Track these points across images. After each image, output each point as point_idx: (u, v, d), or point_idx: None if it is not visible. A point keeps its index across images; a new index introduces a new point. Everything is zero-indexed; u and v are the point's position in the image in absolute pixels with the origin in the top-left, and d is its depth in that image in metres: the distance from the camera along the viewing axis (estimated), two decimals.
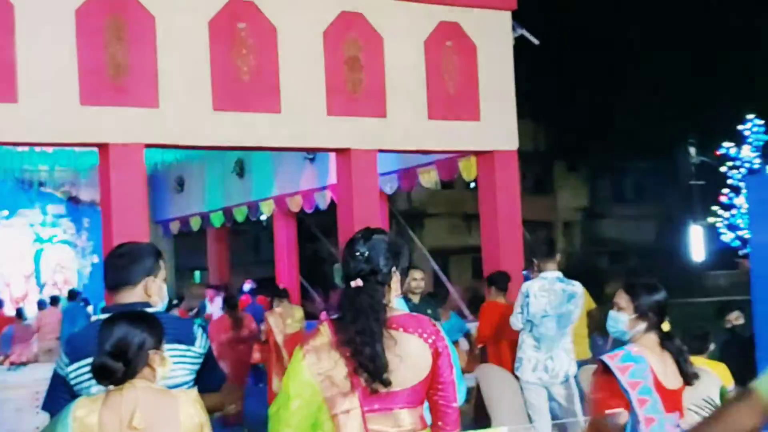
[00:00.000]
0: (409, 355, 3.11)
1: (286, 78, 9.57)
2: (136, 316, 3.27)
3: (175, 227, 16.76)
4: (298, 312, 11.11)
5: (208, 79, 9.15)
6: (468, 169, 11.35)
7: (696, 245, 26.29)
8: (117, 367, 3.11)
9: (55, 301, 14.94)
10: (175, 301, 13.02)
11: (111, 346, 3.14)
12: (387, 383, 3.06)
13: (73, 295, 15.13)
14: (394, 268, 3.31)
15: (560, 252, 9.52)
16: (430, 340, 3.14)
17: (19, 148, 12.26)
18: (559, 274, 7.86)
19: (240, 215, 15.02)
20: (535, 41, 11.18)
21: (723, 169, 24.56)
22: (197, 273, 25.32)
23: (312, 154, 12.94)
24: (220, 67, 9.21)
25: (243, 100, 9.34)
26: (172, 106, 8.97)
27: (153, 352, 3.19)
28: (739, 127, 24.31)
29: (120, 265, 3.64)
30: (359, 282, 3.23)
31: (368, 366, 3.05)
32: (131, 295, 3.59)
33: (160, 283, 3.66)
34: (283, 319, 10.77)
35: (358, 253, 3.30)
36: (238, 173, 14.63)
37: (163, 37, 8.93)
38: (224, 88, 9.23)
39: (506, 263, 10.08)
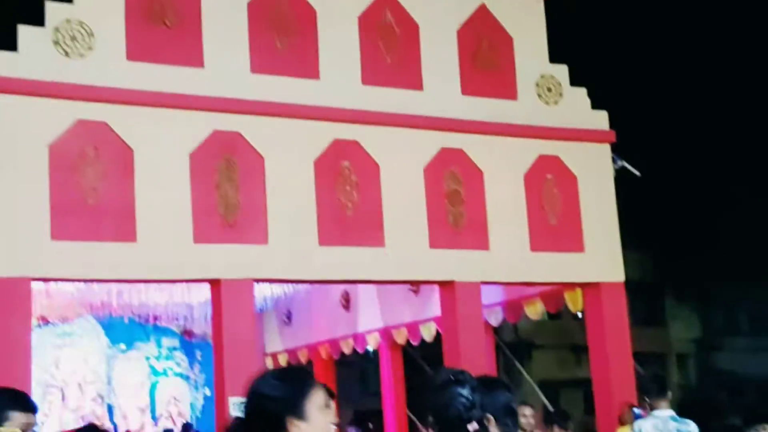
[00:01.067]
0: None
1: (389, 212, 9.84)
2: None
3: (283, 360, 16.95)
4: None
5: (314, 215, 9.48)
6: (574, 301, 11.28)
7: None
8: None
9: None
10: None
11: None
12: None
13: (186, 428, 15.34)
14: (487, 415, 3.34)
15: (674, 386, 9.30)
16: None
17: (137, 285, 12.78)
18: (672, 413, 7.67)
19: (346, 347, 15.14)
20: (637, 173, 11.22)
21: None
22: None
23: (416, 286, 13.06)
24: (326, 204, 9.55)
25: (348, 234, 9.61)
26: (280, 241, 9.29)
27: None
28: None
29: None
30: (475, 426, 3.25)
31: None
32: None
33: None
34: None
35: (463, 398, 3.31)
36: (344, 306, 14.83)
37: (272, 176, 9.35)
38: (329, 224, 9.53)
39: (618, 397, 9.91)
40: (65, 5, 8.79)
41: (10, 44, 8.56)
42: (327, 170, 9.63)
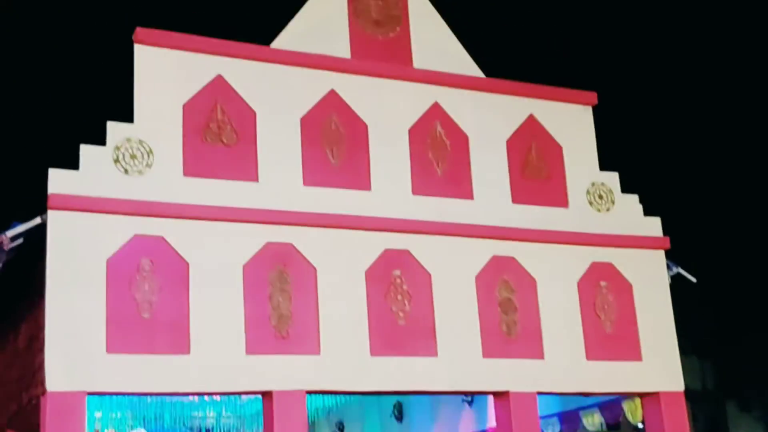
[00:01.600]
0: None
1: (441, 321, 9.80)
2: None
3: None
4: None
5: (365, 325, 9.48)
6: (633, 412, 11.03)
7: None
8: None
9: None
10: None
11: None
12: None
13: None
14: None
15: None
16: None
17: (190, 397, 12.80)
18: None
19: None
20: (693, 279, 11.09)
21: None
22: None
23: (470, 396, 12.89)
24: (378, 313, 9.55)
25: (400, 344, 9.57)
26: (333, 352, 9.28)
27: None
28: None
29: None
30: None
31: None
32: None
33: None
34: None
35: None
36: (396, 417, 14.65)
37: (324, 287, 9.40)
38: (381, 334, 9.51)
39: None
40: (126, 125, 9.10)
41: (73, 163, 8.85)
42: (378, 280, 9.67)
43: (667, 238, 11.18)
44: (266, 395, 9.14)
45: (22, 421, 9.61)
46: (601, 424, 12.12)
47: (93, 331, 8.42)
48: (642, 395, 10.74)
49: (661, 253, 11.13)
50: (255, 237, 9.26)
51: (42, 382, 8.22)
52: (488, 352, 9.94)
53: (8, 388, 10.29)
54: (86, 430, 8.84)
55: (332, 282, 9.46)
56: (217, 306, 8.94)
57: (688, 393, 11.08)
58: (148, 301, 8.66)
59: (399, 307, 9.68)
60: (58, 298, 8.36)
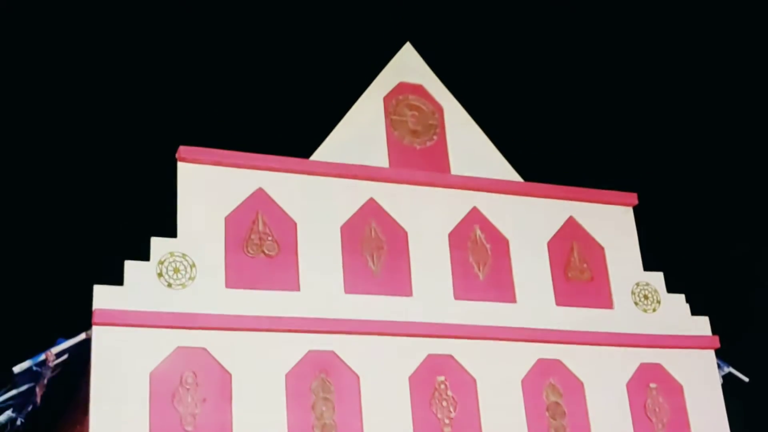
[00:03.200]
0: None
1: (488, 427, 9.61)
2: None
3: None
4: None
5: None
6: None
7: None
8: None
9: None
10: None
11: None
12: None
13: None
14: None
15: None
16: None
17: None
18: None
19: None
20: (745, 378, 10.83)
21: None
22: None
23: None
24: (422, 420, 9.40)
25: None
26: None
27: None
28: None
29: None
30: None
31: None
32: None
33: None
34: None
35: None
36: None
37: (367, 394, 9.31)
38: None
39: None
40: (170, 239, 9.25)
41: (117, 278, 8.98)
42: (422, 386, 9.56)
43: (716, 337, 10.97)
44: None
45: None
46: None
47: None
48: None
49: (711, 353, 10.91)
50: (297, 345, 9.25)
51: None
52: None
53: None
54: None
55: (375, 389, 9.36)
56: (260, 416, 8.87)
57: None
58: (192, 413, 8.63)
59: (444, 413, 9.53)
60: (102, 413, 8.37)
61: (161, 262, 9.12)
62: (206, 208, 9.52)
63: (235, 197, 9.70)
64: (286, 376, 9.11)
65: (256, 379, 9.00)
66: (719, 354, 10.97)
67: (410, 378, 9.55)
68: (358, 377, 9.35)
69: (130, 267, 9.02)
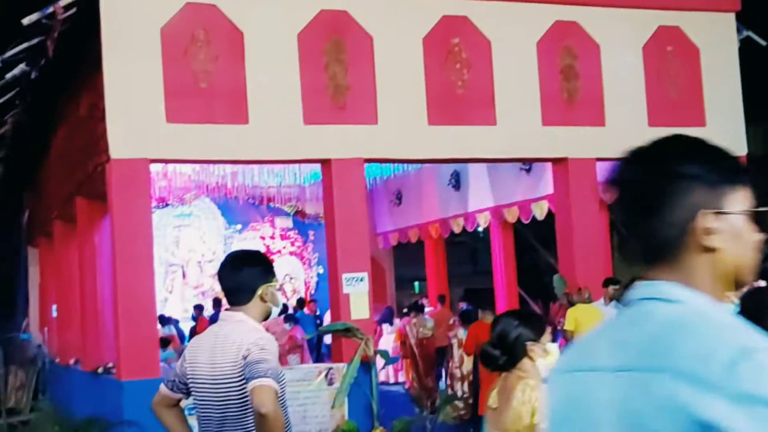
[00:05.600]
0: None
1: (500, 90, 9.63)
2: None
3: (394, 239, 17.18)
4: (429, 323, 12.52)
5: (423, 94, 9.35)
6: None
7: None
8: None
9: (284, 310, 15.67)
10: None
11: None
12: None
13: (301, 304, 15.92)
14: None
15: None
16: None
17: (250, 167, 13.01)
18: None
19: (457, 227, 15.18)
20: (763, 42, 10.64)
21: None
22: (416, 284, 25.76)
23: (528, 164, 12.90)
24: (435, 82, 9.39)
25: (458, 113, 9.47)
26: (390, 121, 9.23)
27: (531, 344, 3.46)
28: None
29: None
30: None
31: None
32: None
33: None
34: (416, 328, 12.21)
35: None
36: (454, 185, 14.79)
37: (381, 56, 9.22)
38: (439, 103, 9.40)
39: None
40: None
41: None
42: (436, 48, 9.44)
43: (737, 0, 10.64)
44: (325, 164, 9.22)
45: (90, 188, 9.88)
46: None
47: (152, 100, 8.44)
48: None
49: (731, 16, 10.63)
50: (308, 4, 9.01)
51: (106, 150, 8.36)
52: (548, 119, 9.81)
53: (73, 157, 10.53)
54: (152, 198, 9.06)
55: (389, 51, 9.25)
56: (273, 76, 8.85)
57: (752, 158, 10.91)
58: (205, 70, 8.59)
59: (457, 75, 9.49)
60: (115, 68, 8.34)
61: None
62: None
63: None
64: (299, 36, 8.95)
65: (269, 37, 8.85)
66: (739, 17, 10.69)
67: (424, 39, 9.40)
68: (371, 38, 9.20)
69: None
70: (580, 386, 1.41)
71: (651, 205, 1.41)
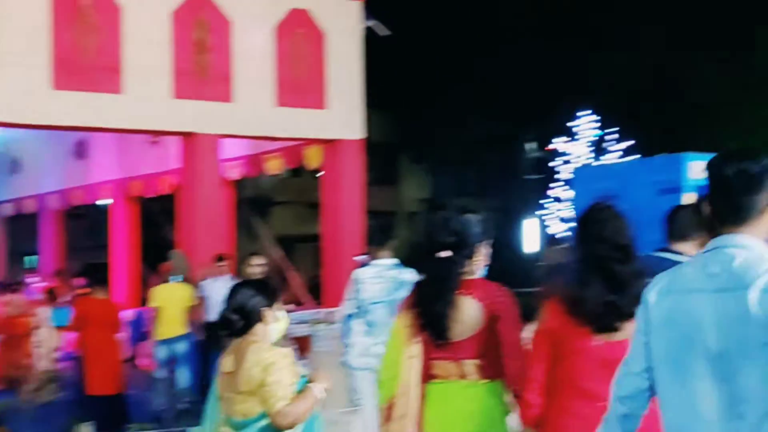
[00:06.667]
0: (464, 313, 3.47)
1: (129, 58, 9.33)
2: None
3: (8, 209, 16.07)
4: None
5: (49, 56, 8.82)
6: (313, 158, 11.34)
7: (530, 237, 27.13)
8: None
9: None
10: None
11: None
12: (446, 338, 3.46)
13: None
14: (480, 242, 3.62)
15: (404, 242, 9.61)
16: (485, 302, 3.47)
17: None
18: (394, 261, 7.59)
19: (77, 198, 14.54)
20: (386, 31, 11.28)
21: (555, 163, 25.11)
22: (28, 258, 24.24)
23: (156, 137, 12.66)
24: (63, 44, 8.89)
25: (85, 79, 9.04)
26: (8, 82, 8.61)
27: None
28: (571, 124, 24.96)
29: None
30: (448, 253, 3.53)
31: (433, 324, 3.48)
32: None
33: None
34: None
35: (448, 227, 3.57)
36: (77, 155, 14.14)
37: (1, 12, 8.55)
38: (66, 66, 8.92)
39: (348, 251, 10.02)
40: None
41: None
42: (66, 7, 8.92)
43: None
44: None
45: None
46: (283, 170, 12.45)
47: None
48: (324, 142, 11.05)
49: (358, 5, 11.16)
50: None
51: None
52: (178, 92, 9.68)
53: None
54: None
55: (7, 6, 8.61)
56: None
57: (369, 144, 11.58)
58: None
59: (86, 39, 9.03)
60: None
61: None
62: None
63: None
64: None
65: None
66: (367, 7, 11.24)
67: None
68: None
69: None
70: (680, 303, 2.18)
71: (760, 185, 2.16)
